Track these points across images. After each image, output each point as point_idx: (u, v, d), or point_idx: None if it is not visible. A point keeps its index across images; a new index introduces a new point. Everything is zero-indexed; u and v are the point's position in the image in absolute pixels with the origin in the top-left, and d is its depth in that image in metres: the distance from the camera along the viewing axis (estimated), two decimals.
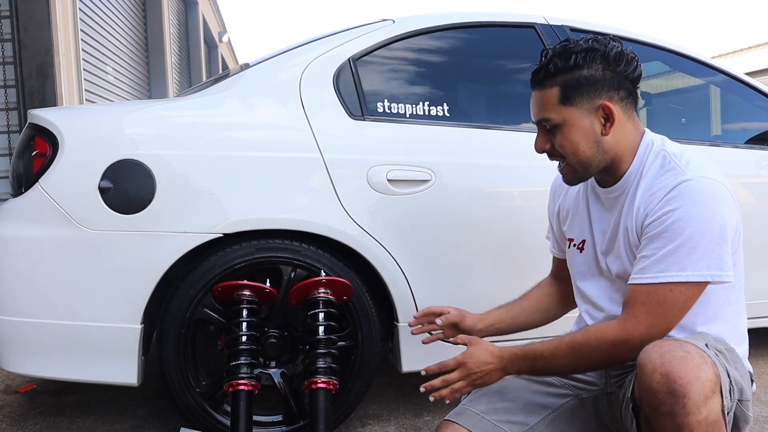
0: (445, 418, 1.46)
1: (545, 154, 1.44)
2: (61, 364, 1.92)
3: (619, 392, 1.39)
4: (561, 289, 1.70)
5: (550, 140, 1.40)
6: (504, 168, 2.16)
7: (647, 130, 1.43)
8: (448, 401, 1.38)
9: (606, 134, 1.36)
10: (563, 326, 1.66)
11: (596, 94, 1.35)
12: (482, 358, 1.36)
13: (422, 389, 1.39)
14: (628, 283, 1.33)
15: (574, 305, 1.64)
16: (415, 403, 2.40)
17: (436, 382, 1.37)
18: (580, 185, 1.54)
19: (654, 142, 1.40)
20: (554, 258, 1.75)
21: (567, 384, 1.48)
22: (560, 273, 1.71)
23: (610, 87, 1.35)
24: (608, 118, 1.35)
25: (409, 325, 1.69)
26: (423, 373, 1.41)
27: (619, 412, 1.37)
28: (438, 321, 1.60)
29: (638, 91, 1.42)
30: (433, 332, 1.65)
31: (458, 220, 2.09)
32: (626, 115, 1.38)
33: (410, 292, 2.05)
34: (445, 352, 2.13)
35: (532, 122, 1.45)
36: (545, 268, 1.78)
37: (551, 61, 1.36)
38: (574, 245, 1.55)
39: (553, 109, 1.37)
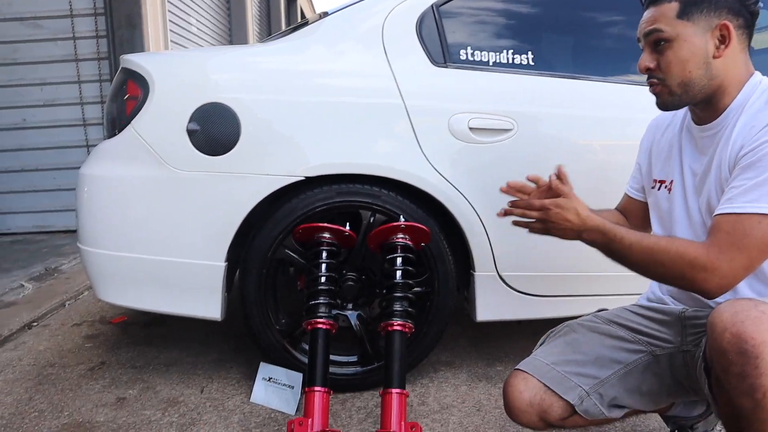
0: (516, 367, 1.46)
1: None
2: (151, 297, 2.02)
3: (695, 351, 1.35)
4: (623, 222, 1.63)
5: (656, 58, 1.34)
6: (589, 119, 2.09)
7: (758, 72, 1.35)
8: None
9: (718, 56, 1.29)
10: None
11: (716, 13, 1.28)
12: (566, 215, 1.34)
13: (500, 211, 1.42)
14: (714, 214, 1.25)
15: None
16: (488, 353, 2.41)
17: (516, 210, 1.39)
18: (677, 126, 1.48)
19: (763, 81, 1.32)
20: (626, 196, 1.68)
21: (641, 340, 1.45)
22: (627, 210, 1.66)
23: (731, 11, 1.28)
24: (724, 40, 1.28)
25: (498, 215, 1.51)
26: (501, 212, 1.43)
27: (694, 371, 1.34)
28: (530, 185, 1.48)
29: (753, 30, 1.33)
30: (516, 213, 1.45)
31: (539, 171, 2.04)
32: (740, 46, 1.31)
33: (488, 241, 2.04)
34: (521, 306, 2.13)
35: (637, 40, 1.38)
36: None
37: None
38: (665, 186, 1.49)
39: (668, 22, 1.30)
